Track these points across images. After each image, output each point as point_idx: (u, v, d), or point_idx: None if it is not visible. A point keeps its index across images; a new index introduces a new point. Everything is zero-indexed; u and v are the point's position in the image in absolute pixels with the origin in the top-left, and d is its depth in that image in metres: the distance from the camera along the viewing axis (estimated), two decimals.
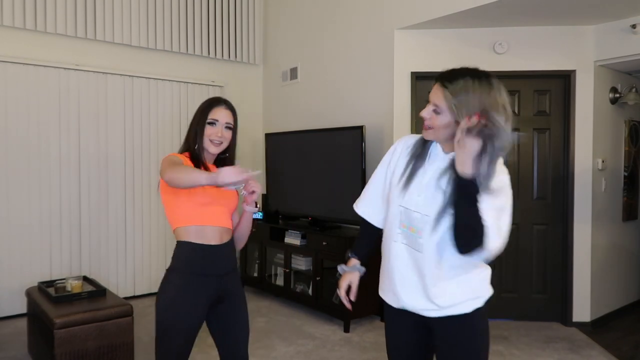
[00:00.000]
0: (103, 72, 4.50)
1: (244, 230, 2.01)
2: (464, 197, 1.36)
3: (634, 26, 3.54)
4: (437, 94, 1.43)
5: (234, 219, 2.00)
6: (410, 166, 1.54)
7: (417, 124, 4.03)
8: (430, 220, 1.46)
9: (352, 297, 1.68)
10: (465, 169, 1.33)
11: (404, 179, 1.54)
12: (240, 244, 2.04)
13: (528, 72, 3.94)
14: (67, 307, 2.90)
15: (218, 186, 1.63)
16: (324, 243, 4.05)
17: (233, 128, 1.92)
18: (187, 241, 1.83)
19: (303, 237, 4.30)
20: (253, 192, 1.84)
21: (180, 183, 1.64)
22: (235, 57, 5.34)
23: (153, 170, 4.80)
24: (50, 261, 4.27)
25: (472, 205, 1.35)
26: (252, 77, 5.54)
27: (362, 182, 3.93)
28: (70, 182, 4.35)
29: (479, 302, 1.54)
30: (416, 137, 1.61)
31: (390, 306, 1.65)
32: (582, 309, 3.95)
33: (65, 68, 4.29)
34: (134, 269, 4.72)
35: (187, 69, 5.03)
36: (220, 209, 1.88)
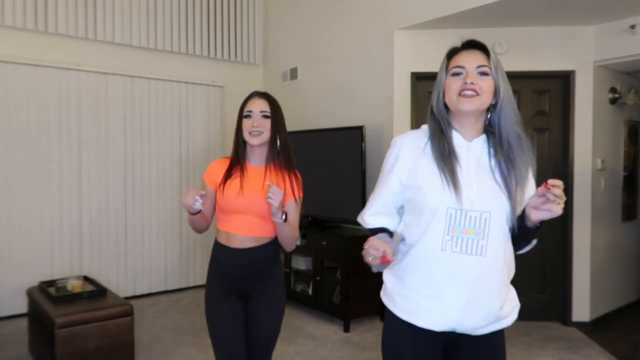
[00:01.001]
0: (103, 72, 4.50)
1: (281, 237, 1.92)
2: (535, 232, 1.36)
3: (633, 27, 3.55)
4: (475, 56, 1.35)
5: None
6: (443, 164, 1.35)
7: (417, 124, 4.03)
8: (491, 217, 1.32)
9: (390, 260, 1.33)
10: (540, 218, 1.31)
11: (446, 179, 1.34)
12: (286, 247, 1.98)
13: (528, 72, 3.94)
14: (67, 306, 2.90)
15: (192, 212, 1.82)
16: (324, 243, 4.06)
17: (271, 116, 1.87)
18: (216, 240, 1.96)
19: (303, 237, 4.31)
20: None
21: (195, 229, 1.98)
22: (235, 57, 5.35)
23: (153, 170, 4.80)
24: (51, 261, 4.27)
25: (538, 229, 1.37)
26: (252, 77, 5.54)
27: (362, 182, 3.93)
28: (71, 182, 4.36)
29: (516, 313, 1.43)
30: (415, 134, 1.47)
31: (417, 329, 1.37)
32: (582, 309, 3.96)
33: (65, 68, 4.29)
34: (134, 269, 4.72)
35: (187, 69, 5.04)
36: (249, 217, 1.87)
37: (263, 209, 1.84)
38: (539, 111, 4.05)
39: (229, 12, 5.28)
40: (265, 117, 1.87)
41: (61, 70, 4.28)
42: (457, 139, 1.39)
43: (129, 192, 4.68)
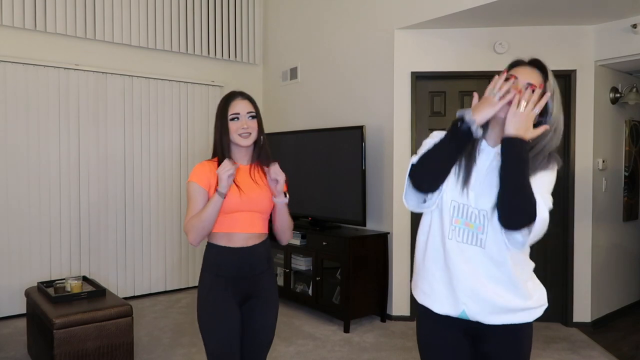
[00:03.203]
0: (103, 72, 4.50)
1: (281, 224, 1.97)
2: (514, 157, 1.35)
3: (634, 26, 3.54)
4: (532, 75, 1.46)
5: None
6: (464, 164, 1.47)
7: (417, 124, 4.03)
8: (488, 214, 1.41)
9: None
10: (520, 132, 1.37)
11: (461, 176, 1.47)
12: (283, 238, 2.01)
13: None
14: (66, 307, 2.89)
15: (222, 192, 1.74)
16: (324, 243, 4.05)
17: (257, 116, 1.90)
18: (213, 243, 1.87)
19: (303, 237, 4.30)
20: (276, 180, 1.85)
21: (205, 230, 1.77)
22: (235, 57, 5.34)
23: (153, 170, 4.80)
24: (50, 261, 4.26)
25: (520, 166, 1.34)
26: (252, 77, 5.54)
27: (362, 182, 3.92)
28: (70, 182, 4.35)
29: (539, 312, 1.49)
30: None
31: (433, 313, 1.51)
32: (583, 310, 3.95)
33: (65, 68, 4.29)
34: (134, 269, 4.71)
35: (187, 69, 5.03)
36: (251, 214, 1.86)
37: (265, 204, 1.89)
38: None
39: (228, 12, 5.28)
40: (252, 117, 1.89)
41: (60, 69, 4.27)
42: (484, 146, 1.50)
43: (128, 192, 4.67)
